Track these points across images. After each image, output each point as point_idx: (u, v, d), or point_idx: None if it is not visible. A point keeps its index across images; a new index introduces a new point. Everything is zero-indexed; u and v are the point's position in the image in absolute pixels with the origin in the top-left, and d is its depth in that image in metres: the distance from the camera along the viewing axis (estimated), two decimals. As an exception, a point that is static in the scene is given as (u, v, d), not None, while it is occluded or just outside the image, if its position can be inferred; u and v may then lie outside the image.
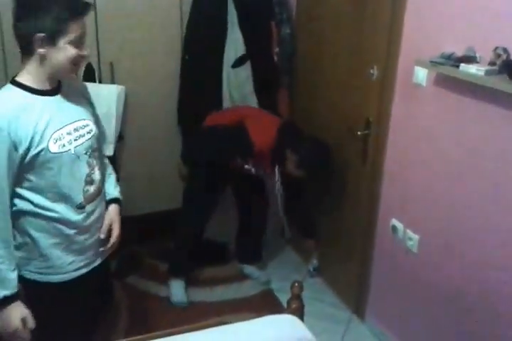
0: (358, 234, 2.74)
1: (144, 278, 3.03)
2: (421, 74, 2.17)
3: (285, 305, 2.02)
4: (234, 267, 3.19)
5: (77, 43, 1.59)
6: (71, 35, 1.57)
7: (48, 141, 1.60)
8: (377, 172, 2.54)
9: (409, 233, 2.36)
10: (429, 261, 2.28)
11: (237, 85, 2.97)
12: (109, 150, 2.72)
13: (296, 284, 1.97)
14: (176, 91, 3.02)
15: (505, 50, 1.72)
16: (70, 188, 1.70)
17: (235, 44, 2.91)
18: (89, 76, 2.73)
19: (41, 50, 1.55)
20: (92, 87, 2.62)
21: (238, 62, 2.90)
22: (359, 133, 2.58)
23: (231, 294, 2.96)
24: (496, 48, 1.75)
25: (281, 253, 3.42)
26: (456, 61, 1.88)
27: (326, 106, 2.91)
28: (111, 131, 2.72)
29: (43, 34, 1.53)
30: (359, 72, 2.55)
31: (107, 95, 2.71)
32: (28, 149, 1.58)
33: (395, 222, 2.46)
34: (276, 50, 3.06)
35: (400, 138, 2.39)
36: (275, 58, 3.04)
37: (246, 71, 2.93)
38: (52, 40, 1.55)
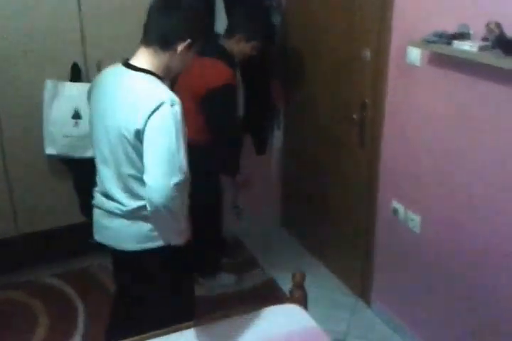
0: (359, 218, 2.72)
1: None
2: (414, 54, 2.14)
3: (289, 294, 2.01)
4: (234, 259, 3.17)
5: (195, 52, 1.80)
6: (199, 45, 1.78)
7: None
8: (375, 155, 2.52)
9: (410, 214, 2.34)
10: (432, 240, 2.27)
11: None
12: None
13: (298, 274, 1.96)
14: (169, 86, 2.97)
15: (497, 24, 1.68)
16: None
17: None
18: (76, 76, 2.68)
19: (179, 52, 1.72)
20: (79, 87, 2.64)
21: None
22: (355, 116, 2.55)
23: (234, 286, 2.95)
24: (489, 24, 1.70)
25: (282, 242, 3.41)
26: (448, 39, 1.85)
27: (321, 91, 2.88)
28: None
29: (190, 40, 1.70)
30: (353, 56, 2.53)
31: None
32: None
33: (395, 203, 2.44)
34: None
35: (396, 119, 2.36)
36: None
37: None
38: (190, 46, 1.73)
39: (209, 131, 2.49)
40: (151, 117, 1.61)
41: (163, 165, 1.61)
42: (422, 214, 2.30)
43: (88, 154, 2.68)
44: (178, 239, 1.80)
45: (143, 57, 1.74)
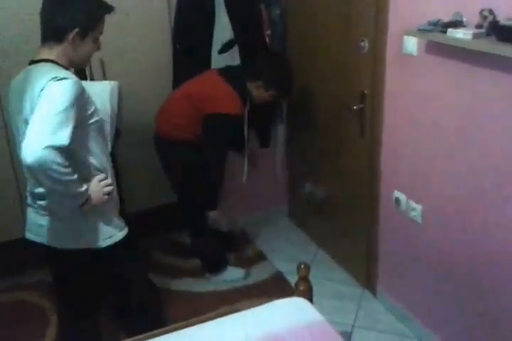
0: (362, 208, 2.73)
1: (153, 273, 2.98)
2: (410, 43, 2.14)
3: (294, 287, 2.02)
4: (241, 254, 3.18)
5: (97, 39, 1.84)
6: (97, 32, 1.82)
7: None
8: (375, 145, 2.52)
9: (412, 203, 2.35)
10: (433, 230, 2.27)
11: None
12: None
13: (303, 266, 1.96)
14: (171, 83, 2.98)
15: (491, 11, 1.68)
16: None
17: (223, 29, 2.85)
18: (80, 74, 2.68)
19: (70, 42, 1.76)
20: (84, 85, 2.63)
21: (226, 47, 2.84)
22: (355, 107, 2.55)
23: (241, 281, 2.95)
24: (482, 10, 1.70)
25: (287, 234, 3.41)
26: (443, 27, 1.84)
27: (320, 83, 2.87)
28: (106, 128, 2.69)
29: (77, 29, 1.74)
30: (350, 46, 2.52)
31: (99, 92, 2.66)
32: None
33: (397, 193, 2.44)
34: (268, 32, 3.00)
35: (395, 109, 2.36)
36: (267, 41, 2.98)
37: (230, 56, 2.87)
38: (83, 34, 1.77)
39: (202, 140, 2.63)
40: (42, 91, 1.65)
41: (39, 125, 1.60)
42: (423, 203, 2.30)
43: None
44: (76, 202, 1.76)
45: (42, 53, 1.80)
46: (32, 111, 1.66)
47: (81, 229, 1.88)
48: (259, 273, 3.01)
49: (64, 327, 2.22)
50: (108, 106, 2.65)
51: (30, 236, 1.97)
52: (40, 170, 1.59)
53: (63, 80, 1.66)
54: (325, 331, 1.75)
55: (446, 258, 2.23)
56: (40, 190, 1.82)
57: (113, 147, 2.71)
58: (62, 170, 1.61)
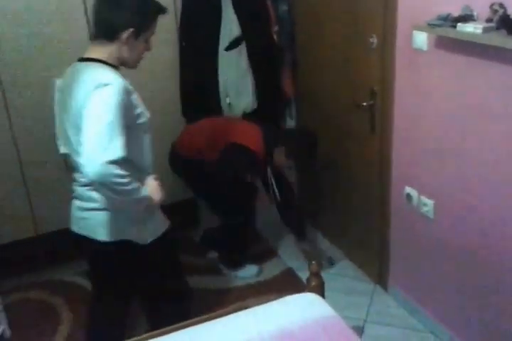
0: (373, 205, 2.72)
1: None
2: (420, 38, 2.13)
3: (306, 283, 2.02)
4: (253, 252, 3.17)
5: (149, 40, 1.86)
6: (149, 33, 1.84)
7: None
8: (386, 142, 2.52)
9: (424, 199, 2.34)
10: (445, 225, 2.27)
11: (231, 68, 2.92)
12: None
13: (314, 262, 1.96)
14: (178, 82, 2.98)
15: (501, 5, 1.67)
16: None
17: (230, 26, 2.86)
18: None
19: (124, 41, 1.78)
20: None
21: (233, 45, 2.85)
22: (365, 104, 2.55)
23: (254, 277, 2.95)
24: (492, 4, 1.69)
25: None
26: (453, 21, 1.84)
27: (329, 80, 2.87)
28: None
29: (132, 29, 1.76)
30: (359, 42, 2.51)
31: None
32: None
33: (408, 189, 2.44)
34: (276, 29, 3.00)
35: (406, 105, 2.35)
36: (275, 37, 2.98)
37: (238, 53, 2.87)
38: (137, 34, 1.79)
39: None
40: (91, 97, 1.67)
41: (93, 140, 1.62)
42: (435, 199, 2.29)
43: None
44: (140, 205, 1.83)
45: (93, 50, 1.83)
46: (78, 112, 1.70)
47: (127, 221, 1.90)
48: (271, 270, 3.02)
49: (95, 309, 2.25)
50: None
51: (74, 228, 1.99)
52: (102, 184, 1.64)
53: (108, 87, 1.67)
54: (338, 326, 1.75)
55: (459, 253, 2.23)
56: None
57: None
58: (124, 180, 1.66)
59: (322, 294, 1.95)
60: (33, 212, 2.86)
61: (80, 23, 2.65)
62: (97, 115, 1.65)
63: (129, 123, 1.72)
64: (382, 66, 2.40)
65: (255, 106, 3.01)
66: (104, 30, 1.79)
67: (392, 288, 2.75)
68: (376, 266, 2.84)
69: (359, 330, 2.50)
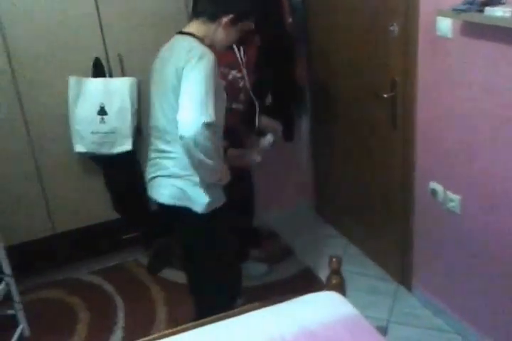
0: (396, 201, 2.64)
1: (176, 270, 2.95)
2: (444, 24, 2.04)
3: (326, 281, 1.95)
4: (267, 250, 3.12)
5: (240, 32, 2.05)
6: (245, 25, 2.04)
7: None
8: (409, 135, 2.43)
9: (450, 194, 2.25)
10: (473, 221, 2.17)
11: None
12: (127, 145, 2.67)
13: (334, 259, 1.89)
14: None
15: (533, -16, 1.57)
16: None
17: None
18: (99, 71, 2.65)
19: (223, 25, 1.96)
20: (102, 83, 2.62)
21: None
22: (385, 95, 2.46)
23: (270, 276, 2.89)
24: (523, -15, 1.60)
25: (315, 229, 3.34)
26: (480, 5, 1.76)
27: (347, 70, 2.79)
28: (127, 125, 2.66)
29: (232, 15, 1.95)
30: (379, 31, 2.43)
31: (119, 89, 2.64)
32: None
33: (433, 184, 2.34)
34: (290, 20, 2.92)
35: (430, 96, 2.26)
36: (289, 29, 2.90)
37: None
38: (235, 22, 1.98)
39: None
40: (186, 67, 1.84)
41: (191, 103, 1.82)
42: (462, 194, 2.20)
43: (116, 150, 2.69)
44: (216, 177, 1.99)
45: (192, 26, 2.02)
46: (177, 78, 1.87)
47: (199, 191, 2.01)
48: (288, 269, 2.95)
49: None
50: (127, 104, 2.64)
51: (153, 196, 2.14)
52: (194, 145, 1.81)
53: (204, 58, 1.85)
54: (360, 325, 1.69)
55: (488, 250, 2.13)
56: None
57: (134, 143, 2.70)
58: (213, 146, 1.86)
59: (343, 293, 1.88)
60: (49, 210, 2.84)
61: (93, 24, 2.61)
62: (195, 83, 1.83)
63: (215, 91, 1.88)
64: (404, 55, 2.31)
65: (269, 101, 2.94)
66: (209, 10, 1.97)
67: (416, 288, 2.66)
68: (399, 265, 2.74)
69: (382, 331, 2.42)
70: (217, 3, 1.97)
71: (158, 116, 2.02)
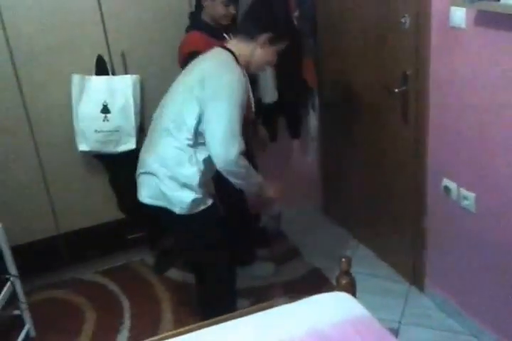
0: (408, 199, 2.57)
1: (183, 271, 2.90)
2: (458, 15, 1.98)
3: (335, 281, 1.89)
4: (275, 250, 3.06)
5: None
6: (283, 46, 2.05)
7: None
8: (421, 131, 2.36)
9: (464, 192, 2.18)
10: (489, 219, 2.10)
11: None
12: (130, 143, 2.63)
13: (344, 259, 1.84)
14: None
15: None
16: None
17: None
18: (102, 68, 2.60)
19: (261, 44, 2.00)
20: (105, 80, 2.59)
21: None
22: (396, 90, 2.39)
23: (278, 277, 2.83)
24: (543, -31, 1.52)
25: (324, 229, 3.28)
26: (496, -7, 1.68)
27: (356, 64, 2.72)
28: (131, 123, 2.62)
29: (271, 33, 1.98)
30: (389, 23, 2.37)
31: (122, 87, 2.60)
32: None
33: (446, 181, 2.27)
34: (296, 13, 2.86)
35: (443, 90, 2.19)
36: (295, 22, 2.83)
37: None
38: (273, 41, 2.00)
39: None
40: (208, 84, 1.88)
41: (224, 134, 1.86)
42: (477, 191, 2.12)
43: (120, 149, 2.64)
44: (255, 188, 2.08)
45: (230, 43, 2.05)
46: (199, 82, 1.90)
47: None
48: (296, 270, 2.89)
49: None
50: (131, 102, 2.60)
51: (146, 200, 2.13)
52: (232, 174, 1.92)
53: (234, 76, 1.90)
54: (371, 326, 1.63)
55: (504, 249, 2.05)
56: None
57: (137, 142, 2.65)
58: (247, 171, 1.94)
59: (353, 293, 1.83)
60: (54, 210, 2.80)
61: (95, 21, 2.57)
62: (224, 110, 1.86)
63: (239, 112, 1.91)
64: (416, 48, 2.25)
65: (275, 98, 2.88)
66: (249, 27, 2.01)
67: (429, 289, 2.59)
68: (411, 265, 2.67)
69: (394, 332, 2.35)
70: (257, 21, 2.04)
71: (165, 111, 2.05)
